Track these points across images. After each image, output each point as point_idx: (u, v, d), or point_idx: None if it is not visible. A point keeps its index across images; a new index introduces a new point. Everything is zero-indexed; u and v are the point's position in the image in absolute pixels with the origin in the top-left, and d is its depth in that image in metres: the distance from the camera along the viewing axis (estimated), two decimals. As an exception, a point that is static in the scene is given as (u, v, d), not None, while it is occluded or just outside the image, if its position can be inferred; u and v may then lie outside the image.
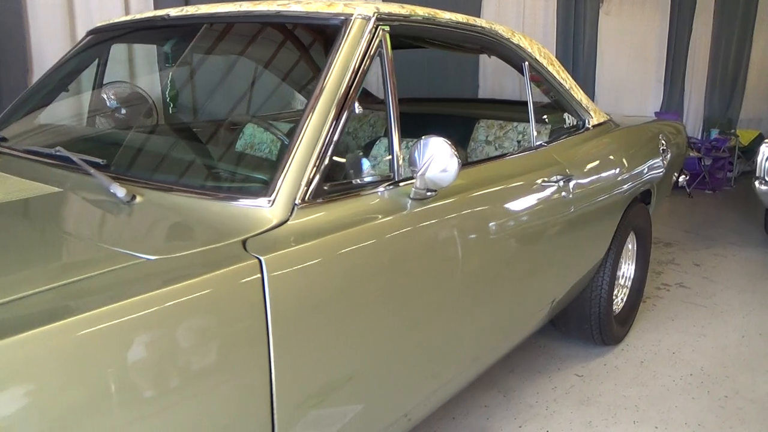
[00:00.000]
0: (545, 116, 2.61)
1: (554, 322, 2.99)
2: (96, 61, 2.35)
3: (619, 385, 2.71)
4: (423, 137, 1.48)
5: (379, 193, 1.52)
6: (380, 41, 1.56)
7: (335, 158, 1.45)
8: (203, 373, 1.01)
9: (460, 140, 2.96)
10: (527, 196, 1.98)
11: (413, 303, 1.53)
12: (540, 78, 2.35)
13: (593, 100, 6.47)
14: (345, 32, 1.50)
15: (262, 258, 1.10)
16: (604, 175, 2.49)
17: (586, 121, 2.61)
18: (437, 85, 5.21)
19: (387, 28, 1.59)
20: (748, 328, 3.33)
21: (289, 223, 1.24)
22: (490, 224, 1.80)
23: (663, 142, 3.19)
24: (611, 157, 2.59)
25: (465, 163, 1.93)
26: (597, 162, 2.47)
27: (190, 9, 1.86)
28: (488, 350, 2.05)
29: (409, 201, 1.53)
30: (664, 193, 3.44)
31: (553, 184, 2.11)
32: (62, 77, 2.23)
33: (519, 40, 2.21)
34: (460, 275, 1.69)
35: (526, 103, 2.45)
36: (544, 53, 2.39)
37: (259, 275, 1.09)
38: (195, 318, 0.99)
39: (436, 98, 3.91)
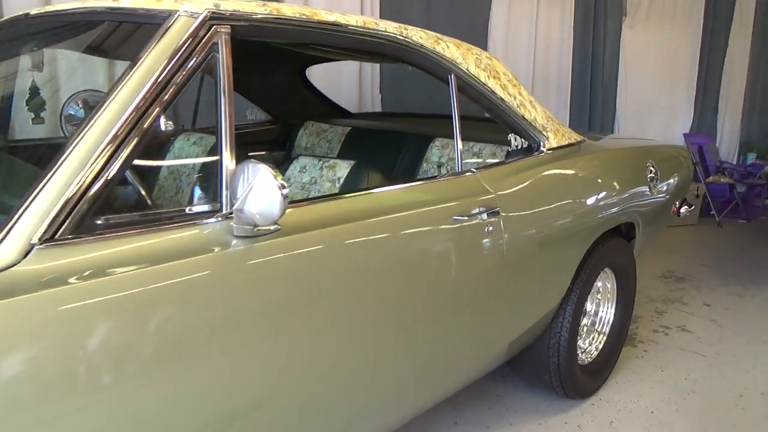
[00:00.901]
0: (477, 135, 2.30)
1: (513, 367, 2.65)
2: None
3: (576, 449, 2.34)
4: (247, 162, 1.21)
5: (207, 226, 1.25)
6: (214, 45, 1.30)
7: (136, 183, 1.20)
8: None
9: (414, 160, 2.67)
10: (424, 231, 1.67)
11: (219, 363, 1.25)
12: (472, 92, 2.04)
13: (613, 121, 6.06)
14: (161, 32, 1.25)
15: None
16: (551, 206, 2.15)
17: (541, 144, 2.27)
18: (438, 100, 4.91)
19: (227, 30, 1.32)
20: (749, 385, 2.88)
21: (15, 268, 0.98)
22: (367, 263, 1.50)
23: (652, 168, 2.81)
24: (565, 185, 2.24)
25: (349, 191, 1.64)
26: (543, 192, 2.13)
27: (49, 7, 1.65)
28: (397, 403, 1.75)
29: (233, 239, 1.25)
30: (657, 225, 3.04)
31: (466, 218, 1.78)
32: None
33: (445, 48, 1.91)
34: (320, 323, 1.40)
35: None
36: (485, 65, 2.08)
37: None
38: None
39: (396, 113, 3.61)
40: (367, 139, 2.95)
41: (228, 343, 1.23)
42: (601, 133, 5.67)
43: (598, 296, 2.83)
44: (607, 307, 2.81)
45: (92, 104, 3.72)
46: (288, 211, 1.36)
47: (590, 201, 2.33)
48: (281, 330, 1.33)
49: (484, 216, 1.85)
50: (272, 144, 3.32)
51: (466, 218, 1.78)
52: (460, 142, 1.95)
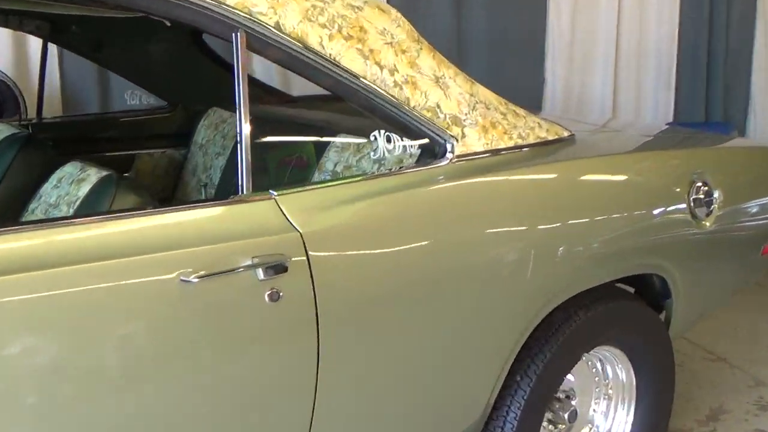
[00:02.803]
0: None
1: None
2: None
3: None
4: None
5: None
6: None
7: None
8: None
9: (308, 165, 1.86)
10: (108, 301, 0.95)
11: None
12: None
13: (746, 110, 4.54)
14: None
15: None
16: (435, 251, 1.27)
17: (448, 147, 1.35)
18: (489, 77, 3.87)
19: None
20: None
21: None
22: None
23: (700, 184, 1.71)
24: (473, 216, 1.33)
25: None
26: (418, 228, 1.26)
27: None
28: None
29: None
30: (720, 278, 1.93)
31: (195, 280, 0.99)
32: None
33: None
34: None
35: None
36: (334, 16, 1.23)
37: None
38: None
39: (306, 96, 2.67)
40: (256, 132, 2.14)
41: None
42: (724, 128, 4.30)
43: (609, 391, 1.81)
44: (617, 413, 1.78)
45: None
46: None
47: (531, 237, 1.37)
48: None
49: (260, 272, 1.03)
50: (173, 137, 2.54)
51: (195, 281, 0.98)
52: (247, 142, 1.17)
